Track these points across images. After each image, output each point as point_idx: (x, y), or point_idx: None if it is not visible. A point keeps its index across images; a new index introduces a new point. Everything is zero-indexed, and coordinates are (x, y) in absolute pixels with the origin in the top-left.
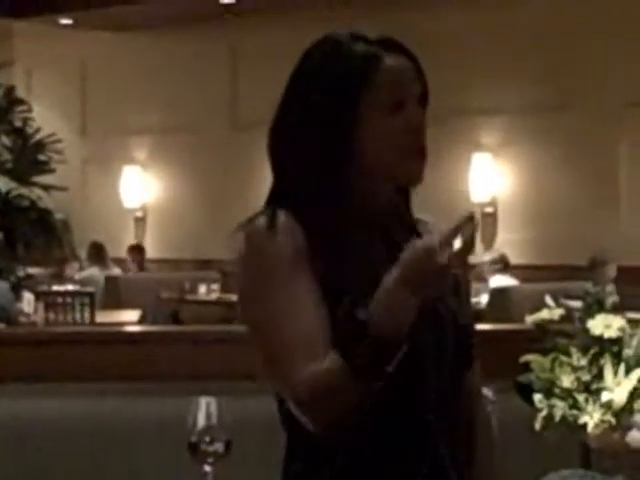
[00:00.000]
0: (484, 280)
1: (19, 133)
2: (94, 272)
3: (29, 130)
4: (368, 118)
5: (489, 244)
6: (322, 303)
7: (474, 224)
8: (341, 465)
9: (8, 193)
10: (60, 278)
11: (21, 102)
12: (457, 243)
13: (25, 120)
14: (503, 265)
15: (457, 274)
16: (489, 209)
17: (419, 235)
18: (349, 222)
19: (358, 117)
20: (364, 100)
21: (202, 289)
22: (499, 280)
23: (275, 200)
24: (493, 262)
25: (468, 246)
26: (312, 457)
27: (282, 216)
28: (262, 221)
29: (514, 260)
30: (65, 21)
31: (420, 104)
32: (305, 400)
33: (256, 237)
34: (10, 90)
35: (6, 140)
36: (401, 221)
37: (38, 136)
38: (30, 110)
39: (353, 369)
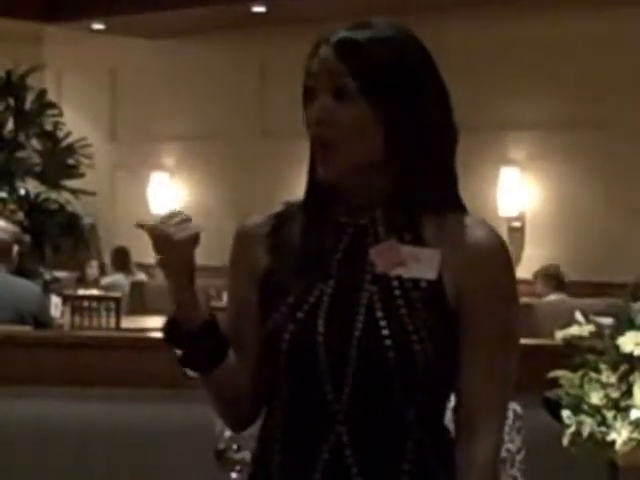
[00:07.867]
0: (538, 297)
1: (49, 137)
2: (119, 278)
3: (59, 134)
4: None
5: (517, 259)
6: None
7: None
8: (257, 447)
9: (37, 196)
10: (84, 281)
11: (52, 106)
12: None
13: (56, 124)
14: (556, 282)
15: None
16: (517, 224)
17: (405, 238)
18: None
19: (305, 105)
20: (304, 87)
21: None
22: (553, 299)
23: None
24: (545, 277)
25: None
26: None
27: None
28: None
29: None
30: (97, 26)
31: (337, 98)
32: None
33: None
34: (41, 93)
35: (36, 143)
36: (391, 219)
37: (68, 140)
38: (61, 114)
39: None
